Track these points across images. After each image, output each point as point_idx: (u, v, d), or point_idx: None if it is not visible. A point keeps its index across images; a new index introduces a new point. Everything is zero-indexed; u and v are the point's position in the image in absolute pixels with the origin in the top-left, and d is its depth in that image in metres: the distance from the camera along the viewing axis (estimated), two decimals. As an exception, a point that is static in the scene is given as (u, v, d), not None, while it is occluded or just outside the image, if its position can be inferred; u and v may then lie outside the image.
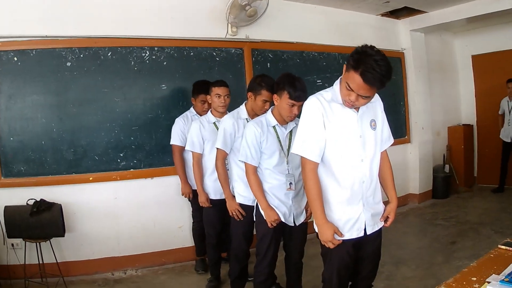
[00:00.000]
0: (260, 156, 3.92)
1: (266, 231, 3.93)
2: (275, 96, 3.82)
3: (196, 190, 5.01)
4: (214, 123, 4.87)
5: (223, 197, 4.56)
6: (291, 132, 3.91)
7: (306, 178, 2.98)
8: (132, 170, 5.61)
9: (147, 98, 5.66)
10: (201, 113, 5.26)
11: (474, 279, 2.44)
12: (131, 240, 5.68)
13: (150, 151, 5.71)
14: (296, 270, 4.31)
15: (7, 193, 5.01)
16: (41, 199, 4.85)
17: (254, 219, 4.10)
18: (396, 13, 8.17)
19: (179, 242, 5.97)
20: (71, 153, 5.27)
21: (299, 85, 3.66)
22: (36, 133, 5.11)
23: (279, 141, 3.90)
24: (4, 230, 4.77)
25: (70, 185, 5.28)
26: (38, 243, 4.81)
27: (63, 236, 4.91)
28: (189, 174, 5.26)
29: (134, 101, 5.58)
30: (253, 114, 4.31)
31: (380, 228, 3.22)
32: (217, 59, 6.13)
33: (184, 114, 5.50)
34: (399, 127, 8.52)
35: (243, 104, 4.41)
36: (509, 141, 8.61)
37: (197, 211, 5.42)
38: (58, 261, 5.02)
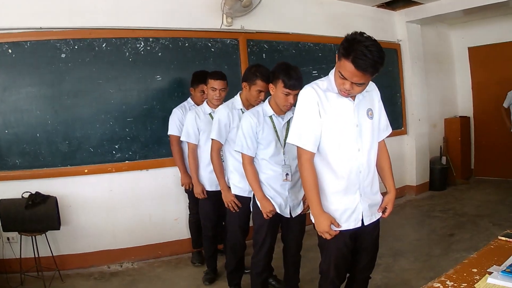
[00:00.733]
0: (257, 146, 3.92)
1: (262, 222, 3.94)
2: (270, 85, 3.82)
3: None
4: (209, 114, 4.87)
5: (218, 188, 4.57)
6: (288, 122, 3.90)
7: (302, 168, 2.98)
8: (127, 162, 5.61)
9: (142, 89, 5.66)
10: (199, 103, 5.23)
11: (475, 270, 2.44)
12: (127, 232, 5.69)
13: (146, 143, 5.72)
14: (294, 262, 4.32)
15: (2, 186, 5.00)
16: (36, 192, 4.86)
17: (251, 210, 4.11)
18: (392, 5, 8.22)
19: (175, 235, 5.98)
20: (66, 145, 5.26)
21: (294, 74, 3.66)
22: (31, 126, 5.11)
23: (276, 131, 3.90)
24: (0, 224, 4.77)
25: (65, 178, 5.28)
26: (33, 237, 4.82)
27: (59, 229, 4.94)
28: (187, 164, 5.22)
29: (129, 92, 5.58)
30: (248, 104, 4.31)
31: (378, 219, 3.22)
32: (212, 50, 6.14)
33: (182, 104, 5.51)
34: (396, 118, 8.53)
35: (238, 94, 4.42)
36: None
37: (194, 203, 5.44)
38: (53, 255, 5.06)
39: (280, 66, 3.76)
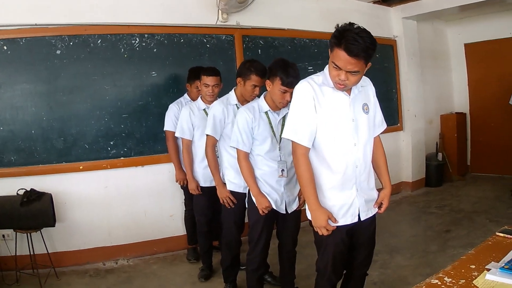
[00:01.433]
0: (252, 142, 3.93)
1: (257, 218, 3.95)
2: (267, 81, 3.82)
3: None
4: (204, 109, 4.90)
5: (213, 184, 4.57)
6: (283, 118, 3.89)
7: (297, 163, 2.99)
8: (122, 158, 5.64)
9: (137, 86, 5.69)
10: (196, 99, 5.24)
11: (473, 266, 2.45)
12: (122, 229, 5.72)
13: (141, 139, 5.75)
14: (289, 258, 4.33)
15: (-3, 183, 5.03)
16: (31, 189, 4.88)
17: (247, 206, 4.11)
18: (388, 1, 8.29)
19: (170, 231, 6.02)
20: (61, 142, 5.28)
21: (292, 71, 3.65)
22: (26, 122, 5.12)
23: (271, 127, 3.91)
24: (-5, 221, 4.78)
25: (60, 174, 5.30)
26: (29, 234, 4.83)
27: (54, 226, 4.97)
28: (183, 160, 5.26)
29: (124, 88, 5.61)
30: (242, 100, 4.33)
31: (374, 215, 3.23)
32: (208, 46, 6.16)
33: (178, 100, 5.54)
34: (392, 114, 8.58)
35: (233, 90, 4.43)
36: None
37: (190, 199, 5.47)
38: (49, 252, 5.08)
39: (277, 62, 3.76)
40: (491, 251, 2.66)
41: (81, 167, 5.39)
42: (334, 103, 2.93)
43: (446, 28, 10.28)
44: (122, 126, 5.61)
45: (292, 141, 3.00)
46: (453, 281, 2.29)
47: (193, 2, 6.08)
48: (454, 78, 10.39)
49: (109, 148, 5.55)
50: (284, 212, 4.00)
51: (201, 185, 4.98)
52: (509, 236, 2.89)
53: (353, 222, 3.06)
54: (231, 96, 4.41)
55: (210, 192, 4.77)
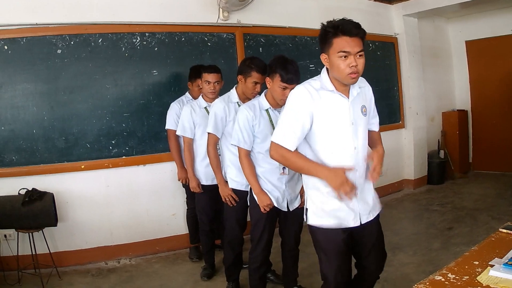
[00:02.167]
0: (253, 140, 3.94)
1: (259, 216, 3.96)
2: (267, 79, 3.83)
3: None
4: (205, 107, 4.92)
5: (214, 182, 4.62)
6: None
7: (287, 162, 2.99)
8: (124, 157, 5.66)
9: (138, 84, 5.70)
10: (197, 97, 5.25)
11: (476, 263, 2.45)
12: (124, 228, 5.73)
13: (142, 138, 5.76)
14: (292, 257, 4.35)
15: (-1, 183, 5.05)
16: (33, 189, 4.88)
17: (249, 204, 4.13)
18: (389, -2, 8.30)
19: (172, 230, 6.03)
20: (62, 141, 5.30)
21: (291, 68, 3.66)
22: (27, 122, 5.13)
23: (272, 125, 3.90)
24: (-4, 221, 4.79)
25: (62, 174, 5.32)
26: (30, 234, 4.84)
27: (56, 225, 4.98)
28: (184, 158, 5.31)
29: (126, 87, 5.63)
30: (244, 97, 4.34)
31: (377, 218, 3.20)
32: (209, 44, 6.18)
33: (179, 98, 5.55)
34: (393, 112, 8.63)
35: (234, 88, 4.44)
36: None
37: (191, 198, 5.48)
38: (51, 252, 5.08)
39: (277, 59, 3.76)
40: (494, 248, 2.66)
41: (82, 167, 5.40)
42: (333, 107, 2.91)
43: (447, 26, 10.28)
44: (124, 125, 5.63)
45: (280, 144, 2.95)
46: (457, 277, 2.30)
47: (194, 1, 6.12)
48: (456, 75, 10.39)
49: (110, 147, 5.56)
50: (286, 210, 4.00)
51: (202, 183, 4.99)
52: None
53: (355, 225, 3.02)
54: (233, 94, 4.42)
55: (212, 191, 4.78)
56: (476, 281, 2.25)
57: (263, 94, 3.99)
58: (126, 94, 5.63)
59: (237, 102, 4.37)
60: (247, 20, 6.47)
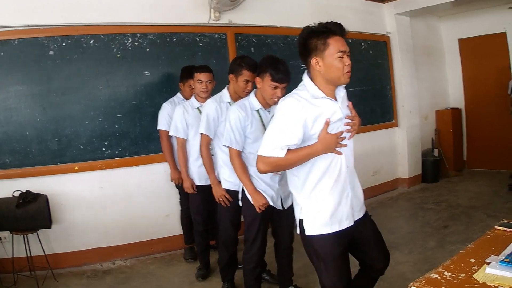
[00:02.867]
0: (244, 140, 3.99)
1: (254, 216, 4.00)
2: (257, 79, 3.87)
3: None
4: (198, 108, 4.97)
5: (208, 182, 4.65)
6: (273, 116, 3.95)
7: (278, 168, 2.98)
8: (117, 158, 5.71)
9: (130, 85, 5.76)
10: (189, 98, 5.32)
11: (473, 260, 2.48)
12: (118, 229, 5.78)
13: (135, 139, 5.82)
14: (287, 255, 4.40)
15: (-7, 185, 5.09)
16: (27, 190, 4.93)
17: (241, 205, 4.16)
18: (381, -3, 8.41)
19: (167, 231, 6.09)
20: (55, 143, 5.34)
21: (282, 67, 3.72)
22: (20, 124, 5.18)
23: (263, 125, 3.96)
24: (-9, 223, 4.83)
25: (55, 176, 5.36)
26: (25, 236, 4.88)
27: (50, 227, 5.02)
28: (177, 159, 5.34)
29: (118, 88, 5.68)
30: (236, 97, 4.38)
31: (367, 214, 3.23)
32: (200, 44, 6.25)
33: (171, 99, 5.62)
34: (386, 111, 8.73)
35: (225, 88, 4.49)
36: None
37: (185, 199, 5.54)
38: (46, 254, 5.12)
39: (267, 59, 3.82)
40: (490, 245, 2.69)
41: (76, 168, 5.45)
42: (327, 111, 2.89)
43: (439, 24, 10.43)
44: (116, 126, 5.68)
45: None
46: (453, 275, 2.32)
47: (185, 1, 6.18)
48: (449, 73, 10.54)
49: (103, 149, 5.62)
50: (281, 208, 4.04)
51: (196, 183, 5.04)
52: (508, 229, 2.94)
53: (350, 225, 3.01)
54: (224, 94, 4.47)
55: (205, 191, 4.81)
56: (472, 278, 2.27)
57: (252, 93, 4.04)
58: (118, 95, 5.68)
59: (229, 102, 4.40)
60: (238, 20, 6.54)
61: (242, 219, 4.38)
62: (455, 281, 2.26)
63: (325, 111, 2.87)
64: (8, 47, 5.08)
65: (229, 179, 4.36)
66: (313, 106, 2.85)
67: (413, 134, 9.06)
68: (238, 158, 3.98)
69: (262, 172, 2.95)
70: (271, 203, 3.97)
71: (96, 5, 5.53)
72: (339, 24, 2.81)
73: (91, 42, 5.49)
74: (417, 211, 7.51)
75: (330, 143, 2.82)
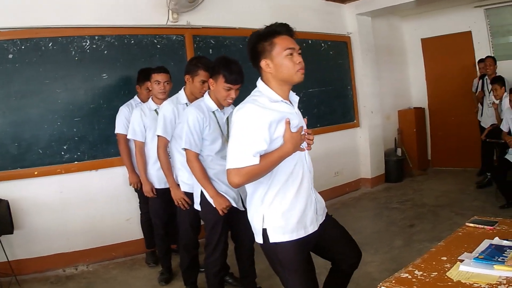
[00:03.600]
0: (202, 142, 4.11)
1: (216, 219, 4.13)
2: (210, 80, 4.02)
3: None
4: (155, 110, 5.13)
5: (168, 185, 4.78)
6: (228, 118, 4.17)
7: (257, 176, 2.85)
8: (76, 162, 5.88)
9: (88, 88, 5.94)
10: (146, 100, 5.47)
11: (445, 258, 2.57)
12: (80, 234, 5.92)
13: (94, 142, 6.00)
14: (249, 257, 4.58)
15: (-48, 191, 5.28)
16: (-12, 196, 5.05)
17: (200, 209, 4.26)
18: (342, -3, 8.79)
19: (128, 235, 6.27)
20: (15, 148, 5.48)
21: (235, 68, 3.86)
22: (-21, 129, 5.38)
23: (219, 126, 4.14)
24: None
25: (15, 181, 5.49)
26: (-13, 242, 5.00)
27: (12, 233, 5.17)
28: (136, 163, 5.48)
29: (76, 91, 5.85)
30: (192, 98, 4.55)
31: (327, 215, 3.30)
32: (158, 46, 6.51)
33: (128, 102, 5.80)
34: (347, 111, 9.10)
35: (182, 89, 4.69)
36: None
37: (145, 203, 5.72)
38: (9, 260, 5.22)
39: (220, 60, 3.96)
40: (462, 242, 2.81)
41: (36, 173, 5.60)
42: (286, 115, 2.93)
43: (402, 24, 10.95)
44: (75, 130, 5.86)
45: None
46: (424, 274, 2.41)
47: (143, 3, 6.37)
48: (411, 73, 11.06)
49: (62, 153, 5.80)
50: (243, 209, 4.16)
51: (155, 187, 5.22)
52: (480, 226, 3.10)
53: (314, 230, 3.07)
54: (181, 95, 4.68)
55: (165, 194, 4.94)
56: (445, 277, 2.35)
57: (206, 94, 4.17)
58: (76, 98, 5.85)
59: (186, 103, 4.59)
60: (196, 22, 6.80)
61: (202, 223, 4.54)
62: (427, 280, 2.35)
63: (285, 114, 2.91)
64: (-33, 51, 5.23)
65: (187, 182, 4.51)
66: (273, 111, 2.88)
67: (375, 134, 9.43)
68: (197, 161, 4.08)
69: (237, 186, 2.84)
70: (234, 205, 4.13)
71: (54, 7, 5.66)
72: (285, 24, 2.96)
73: (50, 45, 5.64)
74: (381, 210, 7.81)
75: (297, 140, 2.89)
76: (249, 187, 3.07)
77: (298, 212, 2.98)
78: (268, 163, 2.80)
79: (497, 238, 2.76)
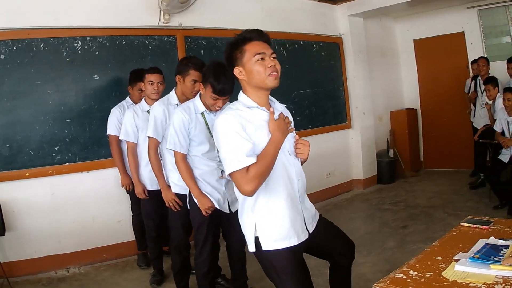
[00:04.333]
0: (189, 143, 4.16)
1: (201, 219, 4.18)
2: (200, 85, 4.06)
3: None
4: (147, 111, 5.06)
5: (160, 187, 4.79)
6: None
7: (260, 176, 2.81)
8: (67, 164, 5.90)
9: (79, 90, 5.97)
10: (138, 102, 5.53)
11: (439, 258, 2.57)
12: (71, 236, 5.95)
13: (85, 144, 6.03)
14: (239, 259, 4.61)
15: None
16: (-21, 198, 5.08)
17: (189, 208, 4.33)
18: (333, -2, 8.86)
19: (119, 237, 6.31)
20: (6, 149, 5.51)
21: (224, 79, 3.79)
22: (-29, 130, 5.41)
23: (208, 128, 4.14)
24: None
25: (7, 182, 5.51)
26: (-21, 244, 5.01)
27: (3, 235, 5.20)
28: (128, 164, 5.49)
29: (67, 93, 5.88)
30: (183, 98, 4.56)
31: (317, 220, 3.32)
32: (150, 47, 6.55)
33: (120, 103, 5.83)
34: (339, 112, 9.16)
35: (173, 90, 4.68)
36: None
37: (136, 204, 5.77)
38: (1, 262, 5.25)
39: (211, 67, 3.93)
40: (457, 242, 2.82)
41: (27, 174, 5.62)
42: (261, 121, 2.96)
43: (394, 25, 11.05)
44: (66, 131, 5.89)
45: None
46: (419, 274, 2.40)
47: (134, 4, 6.40)
48: (404, 74, 11.16)
49: (54, 154, 5.82)
50: (228, 212, 4.25)
51: (148, 188, 5.25)
52: (474, 225, 3.11)
53: (306, 238, 3.07)
54: (172, 96, 4.66)
55: (157, 196, 4.92)
56: (441, 277, 2.35)
57: (197, 96, 4.21)
58: (67, 99, 5.88)
59: (177, 104, 4.58)
60: (188, 23, 6.84)
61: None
62: (422, 280, 2.34)
63: (259, 121, 2.94)
64: (-42, 52, 5.26)
65: (178, 183, 4.48)
66: (247, 116, 2.92)
67: (367, 135, 9.50)
68: (183, 161, 4.15)
69: (250, 193, 2.81)
70: (217, 206, 4.17)
71: (46, 8, 5.69)
72: (256, 29, 2.96)
73: (41, 46, 5.67)
74: (374, 212, 7.86)
75: (283, 127, 2.92)
76: (239, 196, 3.06)
77: (289, 220, 3.00)
78: (267, 156, 2.82)
79: (492, 237, 2.77)
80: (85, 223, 6.08)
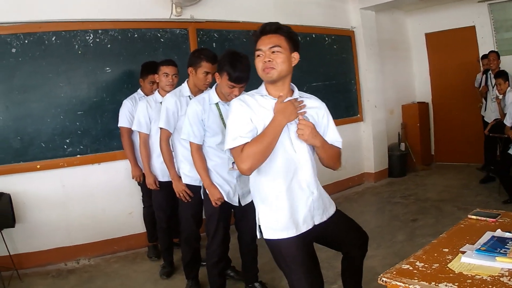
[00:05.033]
0: (204, 134, 4.13)
1: (212, 210, 4.19)
2: (216, 74, 4.01)
3: None
4: (161, 102, 4.96)
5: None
6: None
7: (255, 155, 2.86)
8: (79, 156, 5.90)
9: (91, 82, 5.96)
10: (149, 94, 5.51)
11: (446, 250, 2.55)
12: (81, 228, 5.94)
13: (96, 136, 6.02)
14: (250, 251, 4.56)
15: (-45, 185, 5.28)
16: (-11, 190, 5.08)
17: (202, 197, 4.35)
18: (346, -9, 8.75)
19: (130, 229, 6.29)
20: (18, 141, 5.51)
21: (240, 66, 3.81)
22: (-17, 123, 5.40)
23: (222, 119, 4.10)
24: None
25: (18, 174, 5.52)
26: (-11, 236, 5.02)
27: (14, 226, 5.24)
28: (139, 156, 5.52)
29: (79, 85, 5.87)
30: (196, 90, 4.58)
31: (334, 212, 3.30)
32: (162, 40, 6.51)
33: (131, 96, 5.80)
34: (351, 105, 9.09)
35: (185, 81, 4.65)
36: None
37: (147, 196, 5.75)
38: (11, 254, 5.24)
39: (227, 56, 3.92)
40: (464, 234, 2.80)
41: (38, 166, 5.61)
42: (267, 110, 3.01)
43: (405, 18, 10.90)
44: (78, 124, 5.87)
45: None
46: (426, 265, 2.39)
47: None
48: (415, 67, 11.04)
49: (65, 146, 5.81)
50: (237, 205, 4.22)
51: (159, 179, 5.22)
52: (482, 218, 3.08)
53: (308, 229, 3.07)
54: (184, 88, 4.64)
55: (168, 187, 4.85)
56: (447, 268, 2.33)
57: (213, 87, 4.17)
58: (79, 92, 5.86)
59: (189, 96, 4.57)
60: (200, 15, 6.77)
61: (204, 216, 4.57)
62: (429, 271, 2.32)
63: (269, 107, 3.01)
64: (-30, 45, 5.24)
65: (189, 174, 4.51)
66: (259, 101, 3.05)
67: (378, 128, 9.44)
68: (198, 152, 4.12)
69: (247, 172, 2.90)
70: (226, 199, 4.14)
71: (58, 1, 5.67)
72: (263, 25, 3.02)
73: (53, 39, 5.65)
74: (384, 205, 7.80)
75: (289, 111, 2.93)
76: (251, 185, 3.21)
77: (288, 211, 3.02)
78: (263, 137, 2.88)
79: (499, 230, 2.76)
80: (95, 215, 6.06)
